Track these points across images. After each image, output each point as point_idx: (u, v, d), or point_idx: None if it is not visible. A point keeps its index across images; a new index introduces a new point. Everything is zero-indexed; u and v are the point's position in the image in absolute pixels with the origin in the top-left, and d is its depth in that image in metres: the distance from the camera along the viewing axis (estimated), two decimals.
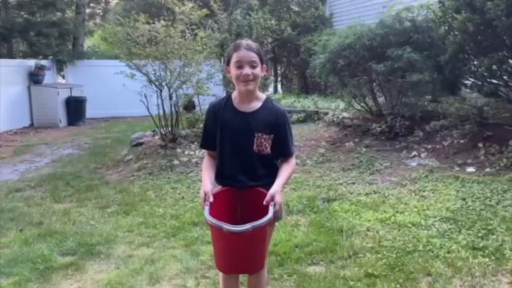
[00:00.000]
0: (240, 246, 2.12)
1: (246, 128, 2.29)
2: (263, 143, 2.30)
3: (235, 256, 2.18)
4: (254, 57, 2.26)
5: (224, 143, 2.34)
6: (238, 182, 2.32)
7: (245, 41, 2.33)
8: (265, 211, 2.11)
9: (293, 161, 2.38)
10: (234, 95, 2.37)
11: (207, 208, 2.14)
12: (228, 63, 2.32)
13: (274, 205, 2.13)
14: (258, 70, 2.27)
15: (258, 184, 2.30)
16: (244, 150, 2.30)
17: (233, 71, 2.27)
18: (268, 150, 2.32)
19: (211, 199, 2.16)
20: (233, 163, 2.33)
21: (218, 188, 2.33)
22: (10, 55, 13.50)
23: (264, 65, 2.33)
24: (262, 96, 2.39)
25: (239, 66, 2.24)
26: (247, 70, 2.23)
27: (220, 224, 2.05)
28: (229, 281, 2.43)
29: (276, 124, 2.31)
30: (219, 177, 2.37)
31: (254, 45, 2.31)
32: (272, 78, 15.66)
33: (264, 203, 2.14)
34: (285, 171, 2.31)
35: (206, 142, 2.42)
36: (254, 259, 2.23)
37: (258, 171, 2.32)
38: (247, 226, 2.03)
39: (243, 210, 2.31)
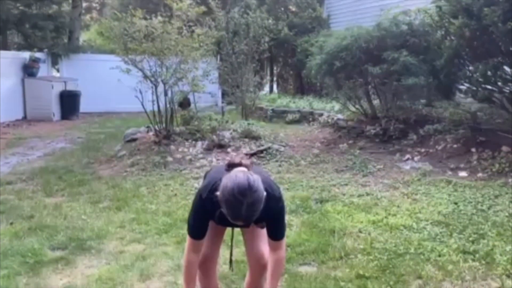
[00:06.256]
0: None
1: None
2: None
3: None
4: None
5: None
6: None
7: (244, 212, 1.97)
8: None
9: (282, 249, 2.34)
10: None
11: None
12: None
13: None
14: None
15: None
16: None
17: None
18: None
19: None
20: None
21: None
22: (5, 47, 13.37)
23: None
24: None
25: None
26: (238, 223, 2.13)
27: None
28: None
29: (270, 218, 2.24)
30: None
31: (252, 218, 2.02)
32: (268, 77, 15.68)
33: None
34: (274, 276, 2.30)
35: (199, 234, 2.33)
36: None
37: None
38: None
39: None
